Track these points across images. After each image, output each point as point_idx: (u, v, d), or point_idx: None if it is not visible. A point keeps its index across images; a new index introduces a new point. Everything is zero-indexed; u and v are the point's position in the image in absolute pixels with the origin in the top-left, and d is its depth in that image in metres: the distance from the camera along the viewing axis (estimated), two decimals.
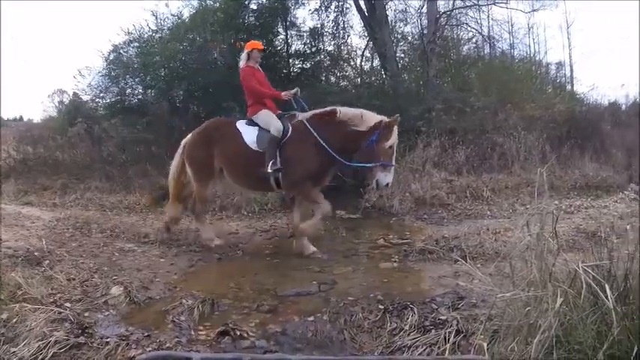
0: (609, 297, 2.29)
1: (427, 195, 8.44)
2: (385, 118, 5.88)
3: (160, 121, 11.02)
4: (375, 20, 12.70)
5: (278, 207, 8.57)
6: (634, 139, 11.31)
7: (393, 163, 5.96)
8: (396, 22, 14.56)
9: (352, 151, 6.00)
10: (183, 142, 6.63)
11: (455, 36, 15.86)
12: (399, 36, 14.48)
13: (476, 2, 15.21)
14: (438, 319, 3.72)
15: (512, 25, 17.59)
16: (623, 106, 14.46)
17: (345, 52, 13.47)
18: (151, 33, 12.15)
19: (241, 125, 6.23)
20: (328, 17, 13.21)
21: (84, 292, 4.50)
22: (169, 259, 5.89)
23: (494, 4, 15.45)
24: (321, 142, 5.85)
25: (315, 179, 6.01)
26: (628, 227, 6.44)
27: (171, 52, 11.10)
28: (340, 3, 13.39)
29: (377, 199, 8.34)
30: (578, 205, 8.18)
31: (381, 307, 4.10)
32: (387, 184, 5.98)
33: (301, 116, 6.10)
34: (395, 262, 5.63)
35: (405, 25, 14.80)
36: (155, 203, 8.38)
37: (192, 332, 3.87)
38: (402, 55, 14.37)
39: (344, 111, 5.99)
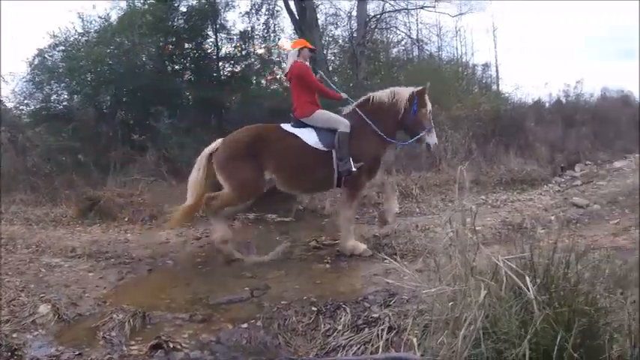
0: (529, 287, 2.38)
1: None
2: (414, 89, 6.10)
3: (87, 128, 10.66)
4: (305, 23, 12.77)
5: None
6: (557, 134, 11.88)
7: (432, 124, 6.24)
8: (326, 25, 14.74)
9: (399, 129, 6.15)
10: (207, 152, 5.99)
11: (385, 39, 16.18)
12: (330, 39, 14.64)
13: (405, 6, 15.58)
14: (371, 317, 3.78)
15: (440, 29, 18.14)
16: (547, 104, 15.11)
17: (276, 55, 13.45)
18: (77, 36, 11.73)
19: (292, 128, 5.94)
20: (259, 20, 13.23)
21: (11, 313, 4.32)
22: (98, 272, 5.69)
23: (422, 8, 15.85)
24: (377, 130, 5.89)
25: (375, 171, 6.07)
26: (552, 218, 6.85)
27: (98, 56, 10.78)
28: (271, 6, 13.43)
29: (309, 201, 8.37)
30: (505, 198, 8.51)
31: (314, 309, 4.13)
32: (436, 143, 6.27)
33: (346, 110, 6.12)
34: (327, 263, 5.67)
35: (336, 28, 15.06)
36: (82, 215, 8.11)
37: (124, 348, 3.78)
38: (333, 58, 14.52)
39: (378, 95, 6.08)
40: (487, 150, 10.65)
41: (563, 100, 14.93)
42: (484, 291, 2.45)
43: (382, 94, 6.07)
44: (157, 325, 4.20)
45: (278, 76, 12.98)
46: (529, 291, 2.37)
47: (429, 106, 6.20)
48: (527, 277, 2.43)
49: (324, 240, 6.64)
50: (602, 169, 10.67)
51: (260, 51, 12.95)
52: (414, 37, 17.02)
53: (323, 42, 13.62)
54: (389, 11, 15.50)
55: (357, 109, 6.03)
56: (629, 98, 16.05)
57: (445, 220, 2.90)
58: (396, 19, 16.14)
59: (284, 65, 12.84)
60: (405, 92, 6.06)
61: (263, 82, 12.91)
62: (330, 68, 13.59)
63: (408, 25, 17.08)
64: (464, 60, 19.12)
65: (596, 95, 15.72)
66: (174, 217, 6.30)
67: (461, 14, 16.53)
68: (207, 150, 6.00)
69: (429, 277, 2.95)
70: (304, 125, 5.91)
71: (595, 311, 2.53)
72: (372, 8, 15.18)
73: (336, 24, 15.01)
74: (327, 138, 5.79)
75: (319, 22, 13.76)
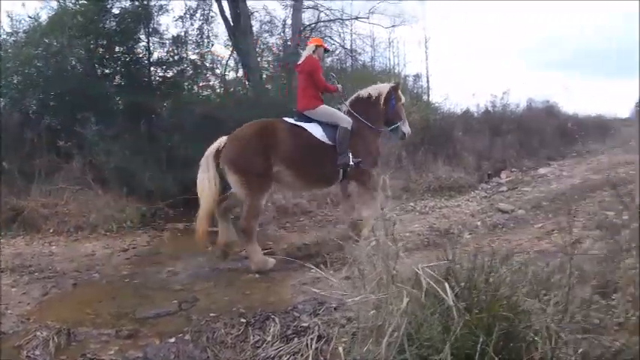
0: (449, 294, 2.45)
1: (289, 204, 8.57)
2: (391, 84, 6.88)
3: (11, 134, 10.20)
4: (239, 30, 12.73)
5: (137, 224, 8.29)
6: (483, 143, 12.29)
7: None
8: (261, 32, 14.71)
9: (382, 121, 6.66)
10: (212, 151, 5.92)
11: None
12: (264, 46, 14.61)
13: (339, 17, 15.77)
14: (300, 327, 3.79)
15: (374, 40, 18.42)
16: (475, 114, 15.56)
17: (209, 61, 13.30)
18: (4, 36, 11.12)
19: (298, 122, 6.10)
20: (193, 25, 12.95)
21: None
22: (21, 287, 5.47)
23: (356, 19, 16.11)
24: (370, 125, 6.38)
25: (377, 160, 6.52)
26: (478, 223, 7.08)
27: (26, 58, 10.27)
28: (205, 11, 13.22)
29: (240, 210, 8.33)
30: (433, 205, 8.73)
31: (243, 320, 4.09)
32: (409, 132, 6.97)
33: (343, 109, 6.49)
34: (257, 273, 5.66)
35: (271, 36, 15.00)
36: (5, 226, 7.75)
37: None
38: (267, 66, 14.52)
39: (363, 92, 6.65)
40: (416, 158, 10.89)
41: (491, 110, 15.39)
42: (406, 298, 2.52)
43: (368, 91, 6.64)
44: (83, 342, 4.07)
45: (211, 82, 12.89)
46: (448, 297, 2.44)
47: (403, 99, 6.95)
48: (446, 284, 2.50)
49: None
50: (526, 176, 11.11)
51: (193, 57, 12.74)
52: (348, 47, 17.29)
53: (257, 49, 13.58)
54: (324, 21, 15.72)
55: (350, 109, 6.45)
56: (554, 108, 16.81)
57: (368, 228, 2.98)
58: (331, 29, 16.38)
59: (217, 71, 12.82)
60: (384, 88, 6.72)
61: (195, 88, 12.71)
62: (264, 76, 13.57)
63: (342, 35, 17.34)
64: (396, 71, 19.52)
65: (522, 105, 16.40)
66: (199, 229, 5.96)
67: (394, 26, 17.00)
68: (212, 149, 5.93)
69: (355, 285, 2.99)
70: (309, 120, 6.12)
71: (515, 315, 2.62)
72: (307, 17, 15.37)
73: (271, 32, 15.01)
74: (332, 133, 6.04)
75: (254, 29, 13.73)
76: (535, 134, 13.88)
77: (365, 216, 6.11)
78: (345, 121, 6.14)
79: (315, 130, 6.04)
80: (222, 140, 5.96)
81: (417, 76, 19.80)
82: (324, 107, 6.21)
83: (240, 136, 5.97)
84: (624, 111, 19.67)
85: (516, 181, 10.61)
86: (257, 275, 5.61)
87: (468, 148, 11.88)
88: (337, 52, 16.64)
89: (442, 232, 6.72)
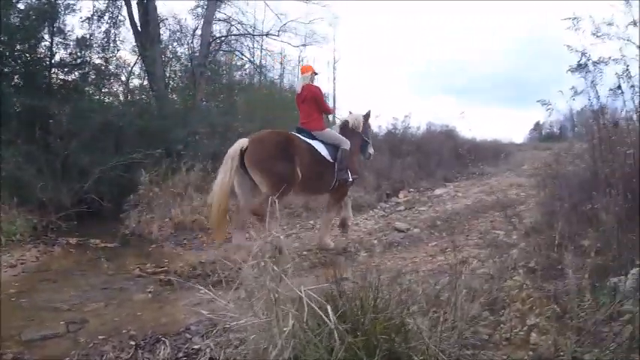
0: (331, 317, 2.44)
1: (187, 220, 8.36)
2: (364, 114, 7.81)
3: None
4: (147, 37, 12.40)
5: (28, 237, 7.78)
6: (384, 163, 12.58)
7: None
8: (170, 41, 14.42)
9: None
10: (237, 152, 6.11)
11: (228, 62, 16.20)
12: (172, 55, 14.32)
13: (250, 32, 15.76)
14: (192, 349, 3.68)
15: (284, 57, 18.52)
16: (378, 135, 15.87)
17: (114, 66, 12.81)
18: None
19: (310, 140, 6.78)
20: (100, 28, 12.39)
21: None
22: None
23: (266, 35, 16.16)
24: (354, 147, 7.31)
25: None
26: (375, 242, 7.19)
27: None
28: (114, 15, 12.71)
29: (136, 225, 8.07)
30: (332, 224, 8.74)
31: (132, 343, 3.91)
32: (373, 152, 8.24)
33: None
34: (150, 292, 5.43)
35: (180, 45, 14.73)
36: None
37: None
38: (173, 76, 14.22)
39: (350, 119, 7.63)
40: None
41: (392, 132, 15.83)
42: (292, 321, 2.50)
43: (351, 119, 7.62)
44: None
45: (114, 89, 12.47)
46: (330, 321, 2.43)
47: (371, 125, 8.01)
48: (329, 307, 2.49)
49: (147, 268, 6.37)
50: (423, 196, 11.48)
51: (97, 61, 12.20)
52: (257, 62, 17.31)
53: (163, 58, 13.28)
54: (234, 34, 15.65)
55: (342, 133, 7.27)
56: (452, 132, 17.50)
57: (256, 248, 2.92)
58: (241, 43, 16.34)
59: (122, 78, 12.36)
60: (360, 116, 7.71)
61: (97, 94, 12.17)
62: (170, 86, 13.29)
63: (252, 50, 17.34)
64: None
65: (422, 129, 17.00)
66: (215, 231, 6.47)
67: (304, 45, 17.12)
68: (236, 149, 6.13)
69: (243, 307, 2.94)
70: (313, 137, 6.83)
71: (400, 335, 2.66)
72: (218, 29, 15.22)
73: (180, 41, 14.76)
74: (332, 152, 6.86)
75: (162, 37, 13.45)
76: (433, 156, 14.42)
77: (347, 215, 7.51)
78: (346, 144, 6.99)
79: (321, 148, 6.79)
80: (244, 142, 6.19)
81: (325, 96, 20.11)
82: (328, 130, 7.09)
83: (268, 140, 6.36)
84: (519, 137, 20.94)
85: (413, 200, 10.95)
86: (150, 295, 5.40)
87: (368, 167, 12.09)
88: (246, 66, 16.62)
89: (339, 250, 6.86)
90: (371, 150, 7.99)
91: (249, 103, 13.59)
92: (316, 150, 6.72)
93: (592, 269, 3.74)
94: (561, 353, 2.85)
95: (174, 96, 13.33)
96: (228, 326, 3.76)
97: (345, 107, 21.88)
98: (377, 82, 38.87)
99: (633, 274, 2.76)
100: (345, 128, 7.46)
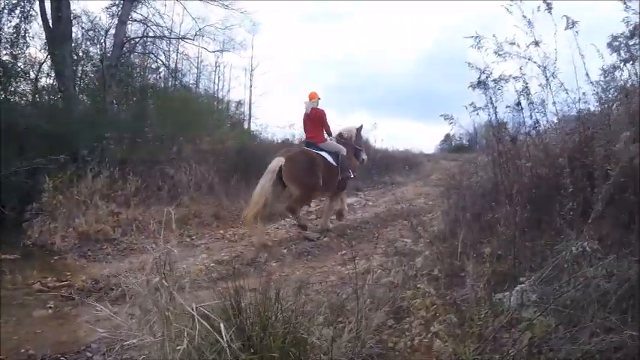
0: (224, 334, 2.40)
1: (92, 230, 7.95)
2: (355, 127, 9.75)
3: None
4: (58, 34, 11.77)
5: None
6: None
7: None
8: (82, 40, 13.76)
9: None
10: (276, 168, 7.76)
11: (142, 64, 15.70)
12: (84, 55, 13.67)
13: (166, 35, 15.39)
14: None
15: (200, 61, 18.19)
16: (293, 143, 15.88)
17: (22, 64, 11.93)
18: None
19: (319, 151, 8.55)
20: (10, 22, 11.50)
21: None
22: None
23: (182, 39, 15.82)
24: (349, 152, 9.15)
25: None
26: (285, 251, 7.16)
27: None
28: (26, 9, 11.91)
29: (39, 235, 7.63)
30: (242, 233, 8.69)
31: None
32: (366, 158, 10.29)
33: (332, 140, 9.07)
34: (50, 308, 5.16)
35: (92, 45, 14.07)
36: None
37: None
38: (83, 76, 13.59)
39: (345, 132, 9.47)
40: (229, 185, 10.83)
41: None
42: (186, 339, 2.43)
43: (344, 131, 9.48)
44: None
45: (22, 88, 11.69)
46: (223, 339, 2.40)
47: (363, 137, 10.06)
48: (222, 324, 2.45)
49: (49, 282, 6.00)
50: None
51: (4, 57, 11.37)
52: (173, 66, 16.94)
53: (74, 57, 12.65)
54: (149, 37, 15.19)
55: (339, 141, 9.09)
56: (365, 143, 17.75)
57: (151, 262, 2.82)
58: (157, 46, 15.91)
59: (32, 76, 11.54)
60: (353, 128, 9.65)
61: (3, 93, 11.35)
62: (79, 87, 12.71)
63: (167, 53, 16.93)
64: (220, 95, 19.46)
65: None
66: (248, 220, 7.68)
67: (221, 51, 16.90)
68: (275, 166, 7.77)
69: (140, 324, 2.85)
70: (319, 149, 8.61)
71: (298, 350, 2.65)
72: (133, 30, 14.73)
73: (92, 40, 14.07)
74: (334, 157, 8.65)
75: (75, 35, 12.83)
76: None
77: (344, 207, 9.35)
78: (342, 150, 8.85)
79: (327, 157, 8.55)
80: (281, 160, 7.87)
81: (240, 103, 19.92)
82: (329, 142, 8.89)
83: (299, 159, 8.16)
84: (430, 147, 21.54)
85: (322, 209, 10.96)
86: (50, 311, 5.10)
87: None
88: (161, 70, 16.20)
89: (249, 260, 6.75)
90: (364, 156, 9.82)
91: (162, 107, 13.22)
92: (326, 159, 8.49)
93: (490, 277, 3.89)
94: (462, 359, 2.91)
95: (83, 97, 12.71)
96: (127, 344, 3.64)
97: (261, 115, 21.74)
98: (295, 92, 39.03)
99: (517, 291, 2.86)
100: (340, 138, 9.23)
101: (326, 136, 9.04)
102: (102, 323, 4.42)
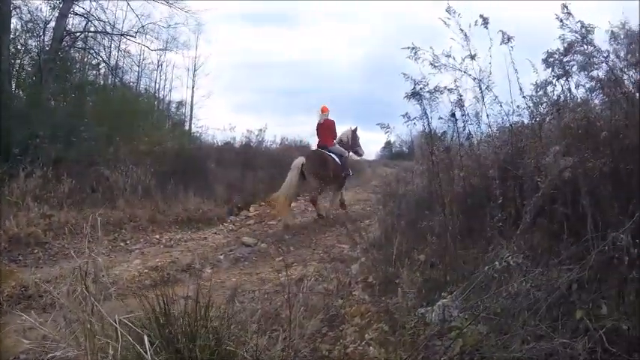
0: (147, 348, 2.31)
1: (23, 233, 7.60)
2: (351, 129, 11.12)
3: None
4: None
5: None
6: (236, 176, 12.48)
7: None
8: (21, 32, 13.20)
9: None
10: (299, 165, 9.77)
11: (82, 60, 15.21)
12: (22, 48, 13.14)
13: (107, 31, 14.96)
14: None
15: (142, 59, 17.75)
16: (231, 147, 15.75)
17: None
18: None
19: (329, 153, 10.31)
20: None
21: None
22: None
23: (122, 35, 15.41)
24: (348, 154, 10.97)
25: None
26: (221, 257, 7.08)
27: None
28: None
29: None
30: (179, 238, 8.55)
31: None
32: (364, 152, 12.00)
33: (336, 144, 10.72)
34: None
35: (31, 37, 13.52)
36: None
37: None
38: (20, 71, 13.07)
39: (343, 137, 10.84)
40: (167, 188, 10.53)
41: (247, 145, 15.75)
42: (111, 351, 2.34)
43: (343, 136, 10.83)
44: None
45: None
46: (147, 352, 2.31)
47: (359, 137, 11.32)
48: (145, 337, 2.37)
49: None
50: (274, 210, 11.47)
51: None
52: (114, 63, 16.48)
53: (11, 49, 12.13)
54: (90, 31, 14.73)
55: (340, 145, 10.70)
56: (306, 147, 17.71)
57: (74, 269, 2.71)
58: (99, 42, 15.45)
59: None
60: (349, 131, 11.01)
61: None
62: (16, 80, 12.20)
63: (109, 50, 16.45)
64: (161, 95, 19.08)
65: (277, 142, 17.08)
66: (279, 209, 9.78)
67: (163, 49, 16.58)
68: (299, 163, 9.83)
69: (66, 334, 2.75)
70: (329, 151, 10.32)
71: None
72: (74, 24, 14.24)
73: (32, 33, 13.52)
74: (339, 158, 10.36)
75: (13, 26, 12.31)
76: (286, 170, 14.42)
77: (344, 199, 11.02)
78: (345, 153, 10.71)
79: (335, 158, 10.26)
80: (302, 159, 9.95)
81: (181, 104, 19.55)
82: (336, 146, 10.53)
83: (315, 158, 10.10)
84: (372, 154, 21.69)
85: (264, 214, 10.90)
86: None
87: (220, 180, 11.91)
88: (102, 66, 15.75)
89: (184, 266, 6.59)
90: (361, 151, 11.56)
91: (101, 106, 12.84)
92: (334, 159, 10.22)
93: (422, 285, 3.94)
94: None
95: (19, 92, 12.22)
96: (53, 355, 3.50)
97: (203, 116, 21.37)
98: (237, 94, 38.70)
99: (439, 306, 2.89)
100: (341, 143, 10.73)
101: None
102: (32, 332, 4.27)
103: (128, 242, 8.19)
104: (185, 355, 2.52)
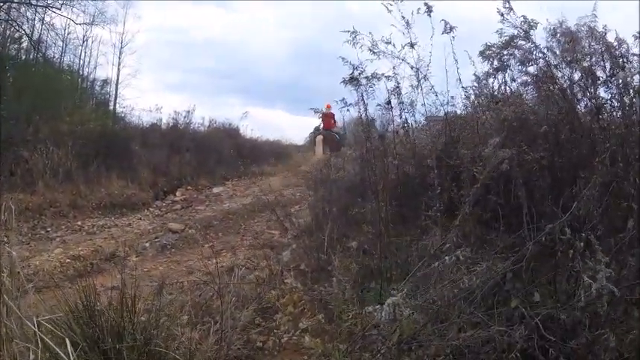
0: (70, 351, 2.14)
1: None
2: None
3: None
4: None
5: None
6: (162, 158, 12.10)
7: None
8: None
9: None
10: (320, 139, 16.33)
11: (4, 33, 14.28)
12: None
13: (33, 2, 14.09)
14: None
15: (67, 34, 16.81)
16: (157, 129, 15.17)
17: None
18: None
19: (332, 132, 16.26)
20: None
21: None
22: None
23: (47, 7, 14.54)
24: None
25: None
26: (147, 244, 6.84)
27: None
28: None
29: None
30: (102, 224, 8.21)
31: None
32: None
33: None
34: None
35: None
36: None
37: None
38: None
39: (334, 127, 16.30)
40: (89, 171, 10.01)
41: (174, 126, 15.24)
42: (32, 355, 2.15)
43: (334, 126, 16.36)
44: None
45: None
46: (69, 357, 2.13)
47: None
48: (67, 340, 2.19)
49: None
50: (201, 195, 11.22)
51: None
52: (37, 37, 15.53)
53: None
54: (14, 1, 13.83)
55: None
56: (234, 131, 17.41)
57: None
58: (23, 14, 14.48)
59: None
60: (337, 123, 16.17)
61: None
62: None
63: (32, 22, 15.46)
64: (85, 72, 18.15)
65: (205, 125, 16.59)
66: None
67: (90, 24, 15.78)
68: (320, 139, 16.26)
69: None
70: (332, 132, 16.13)
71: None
72: None
73: None
74: (337, 136, 15.65)
75: None
76: (214, 154, 14.19)
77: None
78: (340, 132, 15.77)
79: (335, 135, 15.71)
80: (321, 137, 16.30)
81: (106, 82, 18.64)
82: (335, 128, 15.94)
83: (328, 136, 16.05)
84: (300, 139, 21.61)
85: (191, 199, 10.65)
86: None
87: (144, 163, 11.48)
88: (23, 40, 14.82)
89: (108, 255, 6.32)
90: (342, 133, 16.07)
91: (21, 82, 12.08)
92: (335, 136, 15.76)
93: (357, 273, 3.92)
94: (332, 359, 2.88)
95: None
96: None
97: (129, 96, 20.50)
98: (166, 73, 37.59)
99: (390, 305, 2.86)
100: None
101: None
102: None
103: (49, 230, 7.77)
104: (112, 357, 2.36)
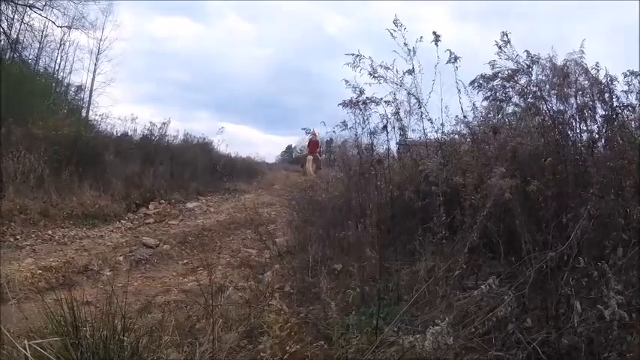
0: None
1: None
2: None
3: None
4: None
5: None
6: (135, 170, 11.83)
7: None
8: None
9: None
10: (310, 158, 17.36)
11: None
12: None
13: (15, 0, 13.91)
14: None
15: (45, 35, 16.55)
16: (131, 139, 14.89)
17: None
18: None
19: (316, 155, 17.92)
20: None
21: None
22: None
23: (29, 7, 14.33)
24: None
25: None
26: (121, 258, 6.63)
27: None
28: None
29: None
30: (73, 235, 7.93)
31: None
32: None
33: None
34: None
35: None
36: None
37: None
38: None
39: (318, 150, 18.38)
40: (61, 179, 9.67)
41: (148, 138, 14.98)
42: None
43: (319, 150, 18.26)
44: None
45: None
46: None
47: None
48: None
49: None
50: (175, 209, 10.99)
51: None
52: (15, 36, 15.29)
53: None
54: None
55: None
56: (208, 145, 17.21)
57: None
58: (3, 12, 14.32)
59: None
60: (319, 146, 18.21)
61: None
62: None
63: (11, 21, 15.20)
64: (60, 76, 17.84)
65: (180, 138, 16.36)
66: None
67: (69, 27, 15.57)
68: (310, 158, 17.32)
69: None
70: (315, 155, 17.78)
71: None
72: None
73: None
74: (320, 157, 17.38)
75: None
76: (188, 168, 14.00)
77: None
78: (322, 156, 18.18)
79: (319, 157, 17.77)
80: (310, 157, 17.51)
81: (80, 88, 18.36)
82: (317, 151, 18.07)
83: (314, 157, 17.47)
84: (271, 157, 22.02)
85: (164, 213, 10.41)
86: None
87: (117, 173, 11.16)
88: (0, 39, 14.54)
89: (80, 268, 6.08)
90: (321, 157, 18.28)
91: None
92: (318, 157, 17.28)
93: (352, 297, 3.83)
94: None
95: None
96: None
97: (103, 104, 20.04)
98: (140, 85, 37.38)
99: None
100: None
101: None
102: None
103: (18, 237, 7.42)
104: None
